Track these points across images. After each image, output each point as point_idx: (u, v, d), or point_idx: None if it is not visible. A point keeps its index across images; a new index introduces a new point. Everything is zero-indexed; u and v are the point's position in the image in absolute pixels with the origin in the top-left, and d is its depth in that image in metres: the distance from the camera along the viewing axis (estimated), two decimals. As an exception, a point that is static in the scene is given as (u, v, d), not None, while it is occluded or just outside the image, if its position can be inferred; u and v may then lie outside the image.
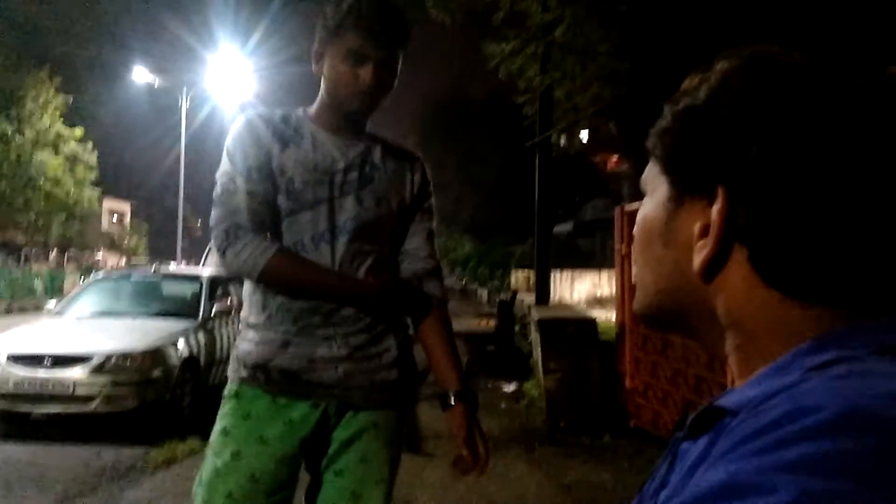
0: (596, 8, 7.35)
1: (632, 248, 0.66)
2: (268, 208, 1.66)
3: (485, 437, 1.73)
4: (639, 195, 0.67)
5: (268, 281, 1.64)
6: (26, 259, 32.24)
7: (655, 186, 0.61)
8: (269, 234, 1.65)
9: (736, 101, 0.55)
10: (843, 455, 0.39)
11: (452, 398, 1.72)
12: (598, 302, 16.45)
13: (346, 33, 1.63)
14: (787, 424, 0.42)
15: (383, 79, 1.66)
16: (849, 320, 0.52)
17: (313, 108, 1.75)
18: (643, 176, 0.64)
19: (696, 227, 0.56)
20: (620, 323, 6.31)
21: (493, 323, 10.21)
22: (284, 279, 1.64)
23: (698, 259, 0.55)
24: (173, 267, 14.26)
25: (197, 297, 7.20)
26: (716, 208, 0.54)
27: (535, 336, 7.20)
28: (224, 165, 1.69)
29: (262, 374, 1.67)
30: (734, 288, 0.55)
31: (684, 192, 0.58)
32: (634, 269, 0.65)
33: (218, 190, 1.67)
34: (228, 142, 1.71)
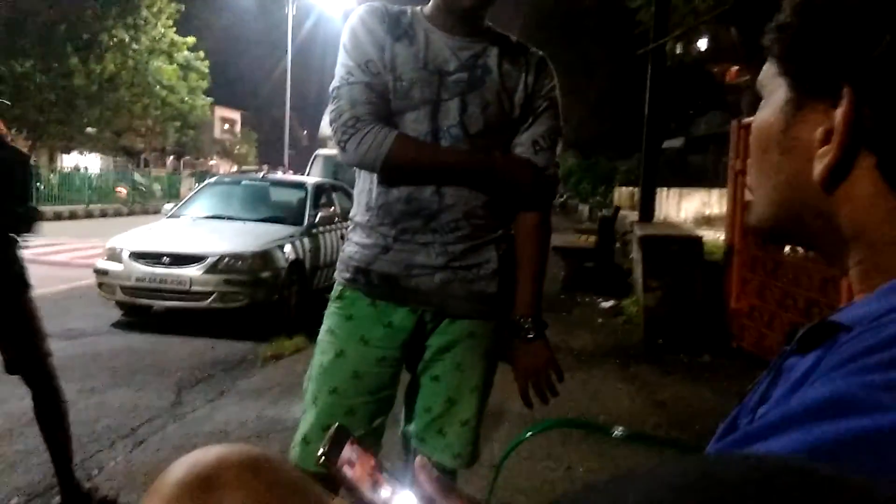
0: None
1: (748, 159, 0.60)
2: (385, 102, 1.63)
3: (556, 364, 1.73)
4: (757, 109, 0.61)
5: (392, 167, 1.61)
6: (146, 163, 34.14)
7: (773, 89, 0.57)
8: (385, 121, 1.62)
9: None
10: None
11: (521, 331, 1.71)
12: (707, 221, 15.82)
13: None
14: None
15: None
16: None
17: (428, 7, 1.69)
18: (759, 78, 0.60)
19: (819, 133, 0.51)
20: (729, 242, 6.05)
21: (593, 239, 10.03)
22: (408, 163, 1.61)
23: (820, 167, 0.51)
24: (281, 174, 14.70)
25: (302, 204, 7.43)
26: (840, 110, 0.49)
27: (636, 254, 7.04)
28: (341, 58, 1.67)
29: (363, 278, 1.69)
30: (859, 197, 0.51)
31: (805, 94, 0.53)
32: (750, 180, 0.61)
33: (336, 83, 1.66)
34: (344, 36, 1.68)
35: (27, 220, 2.73)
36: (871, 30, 0.48)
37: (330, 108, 1.66)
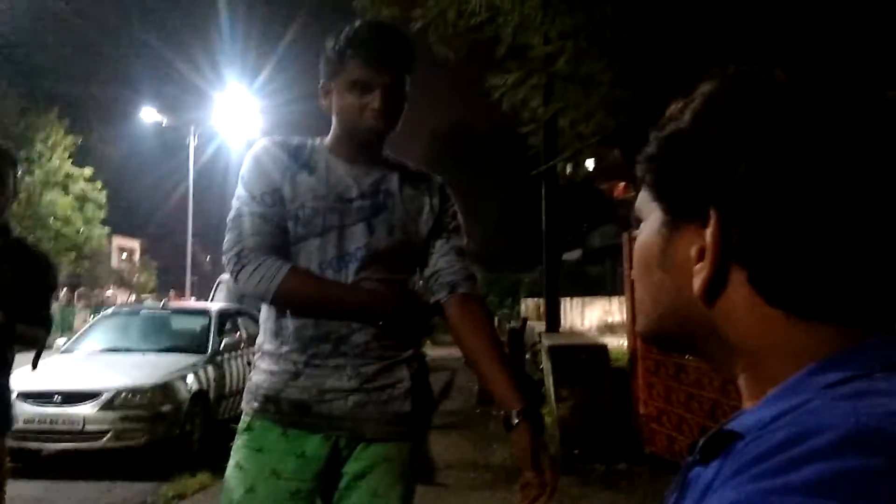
0: (597, 39, 7.43)
1: (632, 273, 0.66)
2: (281, 232, 1.65)
3: (553, 459, 1.60)
4: None
5: (283, 300, 1.62)
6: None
7: (649, 212, 0.61)
8: (281, 254, 1.64)
9: (721, 120, 0.54)
10: (851, 475, 0.38)
11: (515, 418, 1.58)
12: (610, 328, 16.32)
13: (348, 63, 1.63)
14: (794, 447, 0.41)
15: (392, 105, 1.66)
16: (858, 337, 0.50)
17: (328, 139, 1.75)
18: (636, 203, 0.64)
19: (693, 251, 0.55)
20: (632, 349, 6.26)
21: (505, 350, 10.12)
22: (299, 297, 1.62)
23: (697, 282, 0.54)
24: (182, 303, 14.27)
25: (206, 331, 7.20)
26: (709, 231, 0.53)
27: (546, 364, 7.15)
28: (239, 190, 1.69)
29: (273, 406, 1.65)
30: (737, 309, 0.53)
31: (677, 217, 0.57)
32: (637, 294, 0.65)
33: (232, 214, 1.68)
34: (243, 167, 1.72)
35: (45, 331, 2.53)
36: (728, 158, 0.52)
37: (226, 237, 1.68)
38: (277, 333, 1.67)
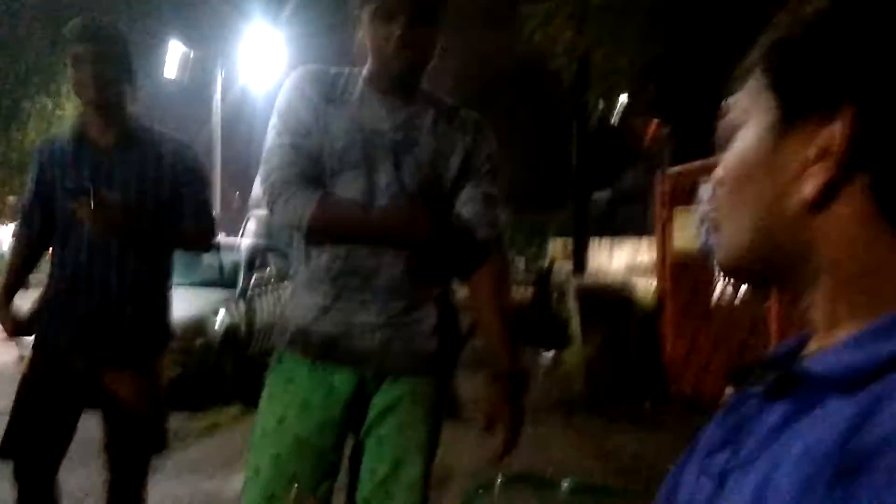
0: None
1: (718, 197, 0.58)
2: (314, 164, 1.64)
3: (520, 419, 1.70)
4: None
5: (316, 228, 1.62)
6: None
7: (755, 113, 0.54)
8: (314, 183, 1.63)
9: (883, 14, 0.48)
10: None
11: (496, 377, 1.69)
12: (639, 270, 16.23)
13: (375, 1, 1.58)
14: None
15: (418, 34, 1.60)
16: None
17: (366, 70, 1.70)
18: (735, 104, 0.57)
19: (811, 153, 0.49)
20: (661, 290, 6.22)
21: (531, 291, 10.15)
22: (332, 223, 1.62)
23: (811, 185, 0.49)
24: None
25: (236, 267, 7.28)
26: (840, 127, 0.47)
27: (573, 305, 7.15)
28: (273, 121, 1.68)
29: (303, 340, 1.67)
30: (845, 220, 0.48)
31: (797, 113, 0.51)
32: (722, 218, 0.57)
33: (267, 145, 1.67)
34: (278, 98, 1.70)
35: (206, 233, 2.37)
36: (880, 42, 0.48)
37: (260, 169, 1.67)
38: (308, 269, 1.68)
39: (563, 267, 11.31)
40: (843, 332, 0.47)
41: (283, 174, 1.63)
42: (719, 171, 0.58)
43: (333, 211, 1.62)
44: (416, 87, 1.71)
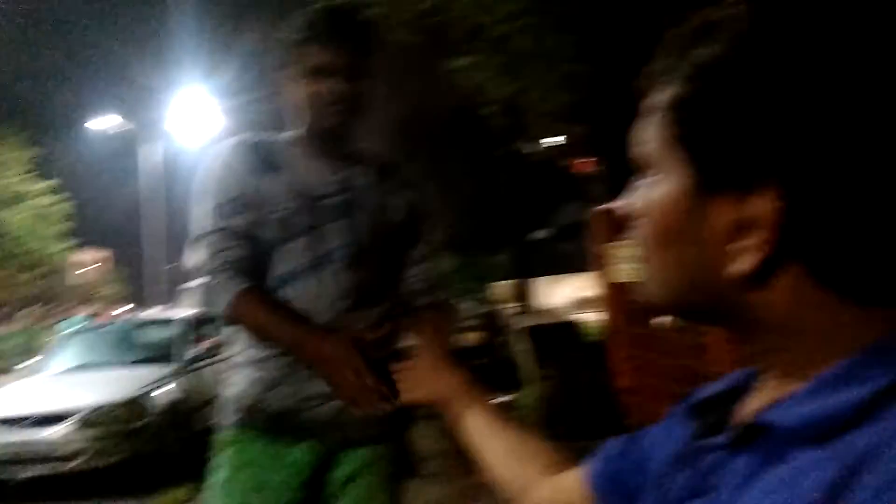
0: (553, 13, 7.40)
1: (639, 236, 0.53)
2: (246, 242, 1.58)
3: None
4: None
5: (231, 322, 1.58)
6: (2, 318, 31.67)
7: (668, 168, 0.49)
8: (243, 270, 1.56)
9: (789, 43, 0.42)
10: None
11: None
12: (583, 304, 16.44)
13: (306, 50, 1.57)
14: None
15: (354, 89, 1.58)
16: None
17: (294, 134, 1.67)
18: (642, 152, 0.52)
19: (738, 225, 0.45)
20: (607, 322, 6.28)
21: (479, 336, 10.14)
22: (246, 323, 1.57)
23: (746, 263, 0.45)
24: (151, 312, 14.06)
25: (176, 340, 7.07)
26: (765, 205, 0.43)
27: (522, 345, 7.16)
28: (200, 198, 1.61)
29: (255, 417, 1.60)
30: (782, 288, 0.46)
31: (715, 186, 0.46)
32: (647, 260, 0.53)
33: (195, 224, 1.61)
34: (204, 175, 1.64)
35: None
36: (799, 108, 0.42)
37: (189, 249, 1.63)
38: (253, 343, 1.61)
39: (510, 309, 11.37)
40: (796, 383, 0.46)
41: (211, 257, 1.56)
42: (638, 207, 0.53)
43: (249, 311, 1.53)
44: (352, 144, 1.69)
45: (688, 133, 0.47)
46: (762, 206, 0.43)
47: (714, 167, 0.45)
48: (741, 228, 0.45)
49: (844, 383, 0.43)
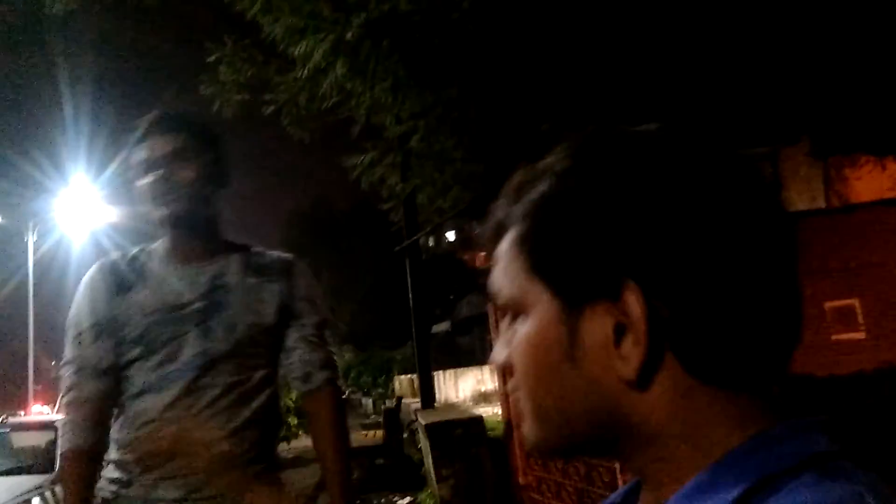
0: (446, 118, 7.73)
1: (516, 382, 0.54)
2: (96, 374, 1.61)
3: None
4: None
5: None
6: None
7: (531, 302, 0.51)
8: (86, 412, 1.60)
9: (618, 176, 0.48)
10: None
11: None
12: (484, 398, 16.46)
13: (135, 155, 1.62)
14: None
15: (183, 176, 1.59)
16: (764, 409, 0.48)
17: (161, 242, 1.68)
18: (502, 298, 0.54)
19: (608, 330, 0.48)
20: (507, 418, 6.30)
21: (380, 433, 9.92)
22: (62, 481, 1.64)
23: (629, 368, 0.47)
24: (24, 417, 12.99)
25: (52, 447, 6.53)
26: (631, 307, 0.46)
27: (424, 443, 7.06)
28: (67, 326, 1.66)
29: None
30: (663, 386, 0.47)
31: (579, 301, 0.49)
32: (528, 401, 0.53)
33: (67, 337, 1.65)
34: (77, 293, 1.68)
35: None
36: (646, 218, 0.46)
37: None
38: (118, 442, 1.62)
39: (411, 404, 11.22)
40: (678, 485, 0.47)
41: (64, 394, 1.64)
42: (510, 352, 0.54)
43: (63, 474, 1.64)
44: (214, 240, 1.68)
45: (539, 260, 0.50)
46: (633, 304, 0.46)
47: (572, 282, 0.48)
48: (620, 332, 0.47)
49: (698, 495, 0.45)
